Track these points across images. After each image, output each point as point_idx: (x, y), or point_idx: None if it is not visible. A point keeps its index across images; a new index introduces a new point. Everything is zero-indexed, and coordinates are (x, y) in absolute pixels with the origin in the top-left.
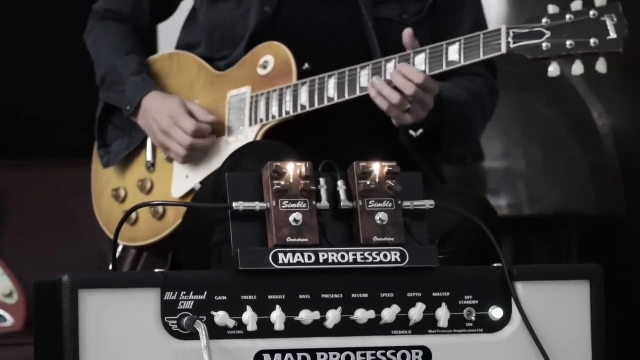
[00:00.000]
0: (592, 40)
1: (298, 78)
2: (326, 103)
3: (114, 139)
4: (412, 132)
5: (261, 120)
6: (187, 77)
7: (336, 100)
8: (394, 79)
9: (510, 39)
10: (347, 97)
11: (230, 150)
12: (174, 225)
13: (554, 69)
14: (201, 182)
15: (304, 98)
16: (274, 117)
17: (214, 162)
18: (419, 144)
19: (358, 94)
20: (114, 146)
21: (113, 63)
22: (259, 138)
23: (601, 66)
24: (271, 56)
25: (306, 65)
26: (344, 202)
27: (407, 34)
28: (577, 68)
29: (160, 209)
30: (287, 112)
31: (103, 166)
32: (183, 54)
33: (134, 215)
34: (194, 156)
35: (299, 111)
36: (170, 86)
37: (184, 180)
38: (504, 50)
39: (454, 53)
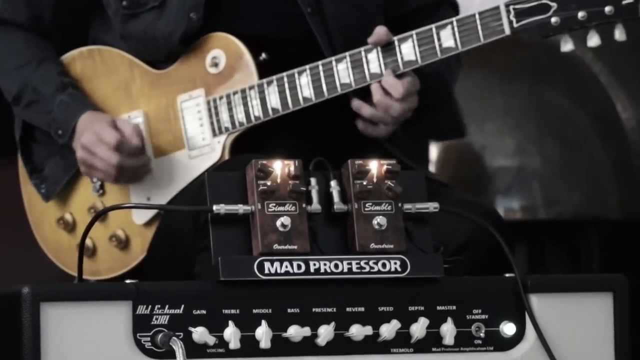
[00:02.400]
0: (606, 9)
1: (258, 72)
2: (302, 104)
3: (43, 159)
4: None
5: (226, 129)
6: (119, 77)
7: (314, 101)
8: (375, 98)
9: (512, 17)
10: (326, 96)
11: (194, 166)
12: (142, 255)
13: (567, 44)
14: (167, 204)
15: (274, 100)
16: (241, 124)
17: (178, 180)
18: None
19: (339, 91)
20: (46, 170)
21: (27, 79)
22: (227, 149)
23: (620, 34)
24: (220, 50)
25: (263, 56)
26: (338, 205)
27: (379, 33)
28: (593, 40)
29: (123, 237)
30: (257, 118)
31: (44, 199)
32: (106, 50)
33: (90, 245)
34: (124, 177)
35: (271, 115)
36: (100, 89)
37: (145, 202)
38: (507, 31)
39: (447, 38)
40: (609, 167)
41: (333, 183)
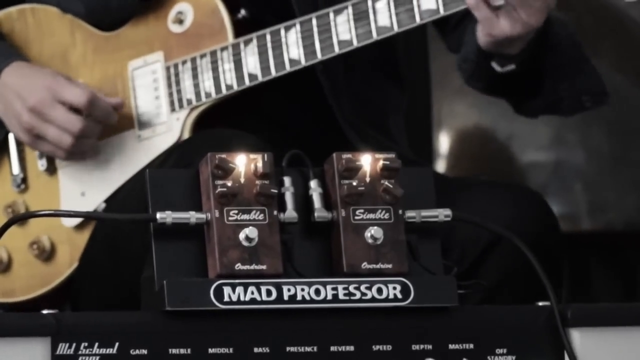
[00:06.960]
0: None
1: (234, 32)
2: (289, 68)
3: None
4: (495, 66)
5: (189, 102)
6: (56, 42)
7: (303, 64)
8: None
9: None
10: (319, 57)
11: (145, 150)
12: (70, 269)
13: None
14: (107, 201)
15: (251, 64)
16: (208, 95)
17: (122, 168)
18: (504, 87)
19: (337, 50)
20: None
21: None
22: (187, 128)
23: None
24: (187, 4)
25: (242, 12)
26: (319, 212)
27: None
28: None
29: (47, 245)
30: (229, 87)
31: None
32: (42, 9)
33: (4, 256)
34: (80, 149)
35: (247, 83)
36: (30, 58)
37: (78, 199)
38: None
39: None
40: None
41: (313, 183)
